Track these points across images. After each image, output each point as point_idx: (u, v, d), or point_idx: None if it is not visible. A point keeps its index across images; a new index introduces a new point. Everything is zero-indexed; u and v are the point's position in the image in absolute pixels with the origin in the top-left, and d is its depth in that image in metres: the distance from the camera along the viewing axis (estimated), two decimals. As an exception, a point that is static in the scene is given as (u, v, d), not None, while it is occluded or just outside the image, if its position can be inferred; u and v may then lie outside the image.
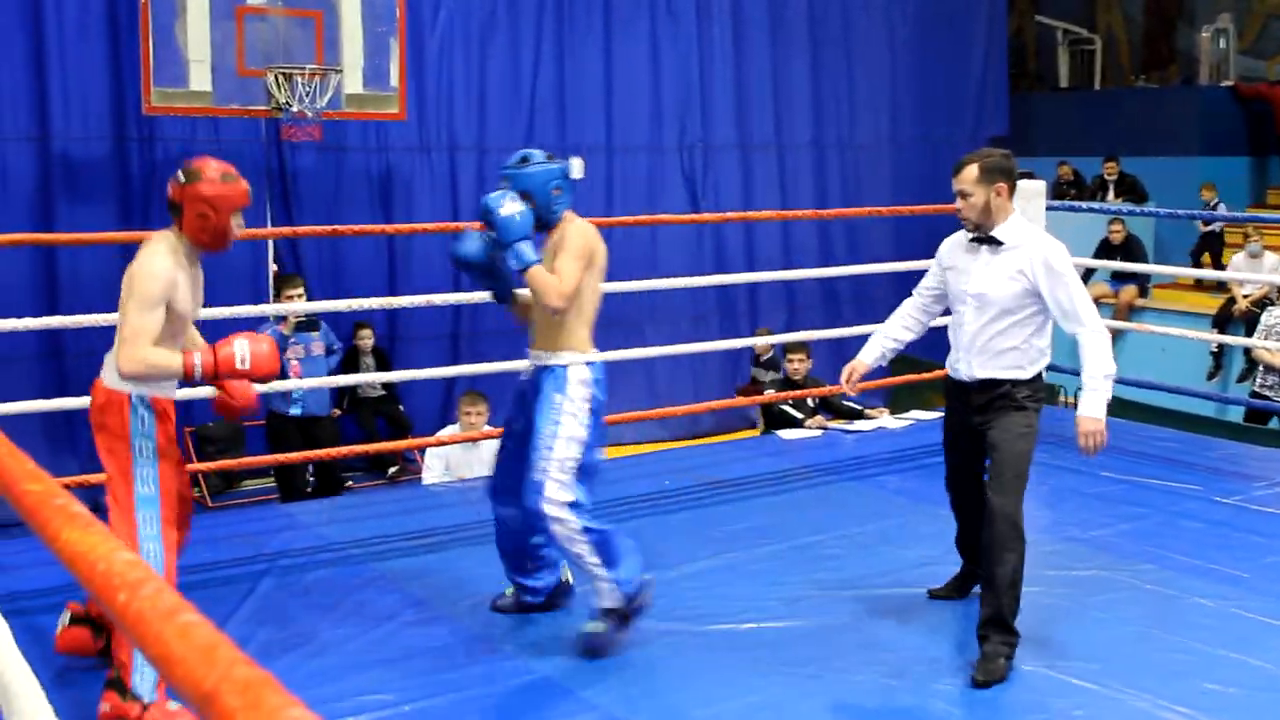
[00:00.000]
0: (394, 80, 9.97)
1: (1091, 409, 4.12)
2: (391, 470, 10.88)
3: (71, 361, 9.79)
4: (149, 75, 8.93)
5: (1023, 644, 4.08)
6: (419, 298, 7.01)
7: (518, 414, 4.41)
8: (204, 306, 4.10)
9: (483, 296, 7.93)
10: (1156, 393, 8.46)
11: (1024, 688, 3.98)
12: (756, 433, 10.35)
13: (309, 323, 8.50)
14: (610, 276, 11.74)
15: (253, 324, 10.31)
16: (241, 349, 3.74)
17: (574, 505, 4.12)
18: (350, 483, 9.95)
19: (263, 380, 3.95)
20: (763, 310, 13.48)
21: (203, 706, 0.97)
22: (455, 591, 4.86)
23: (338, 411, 10.35)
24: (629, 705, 3.88)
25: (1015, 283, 4.15)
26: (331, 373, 8.71)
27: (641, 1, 12.86)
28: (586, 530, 4.11)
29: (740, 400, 9.66)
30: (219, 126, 10.39)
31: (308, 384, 7.93)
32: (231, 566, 5.20)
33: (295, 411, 8.49)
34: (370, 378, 9.62)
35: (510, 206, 4.12)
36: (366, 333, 10.83)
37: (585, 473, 4.21)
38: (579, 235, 4.25)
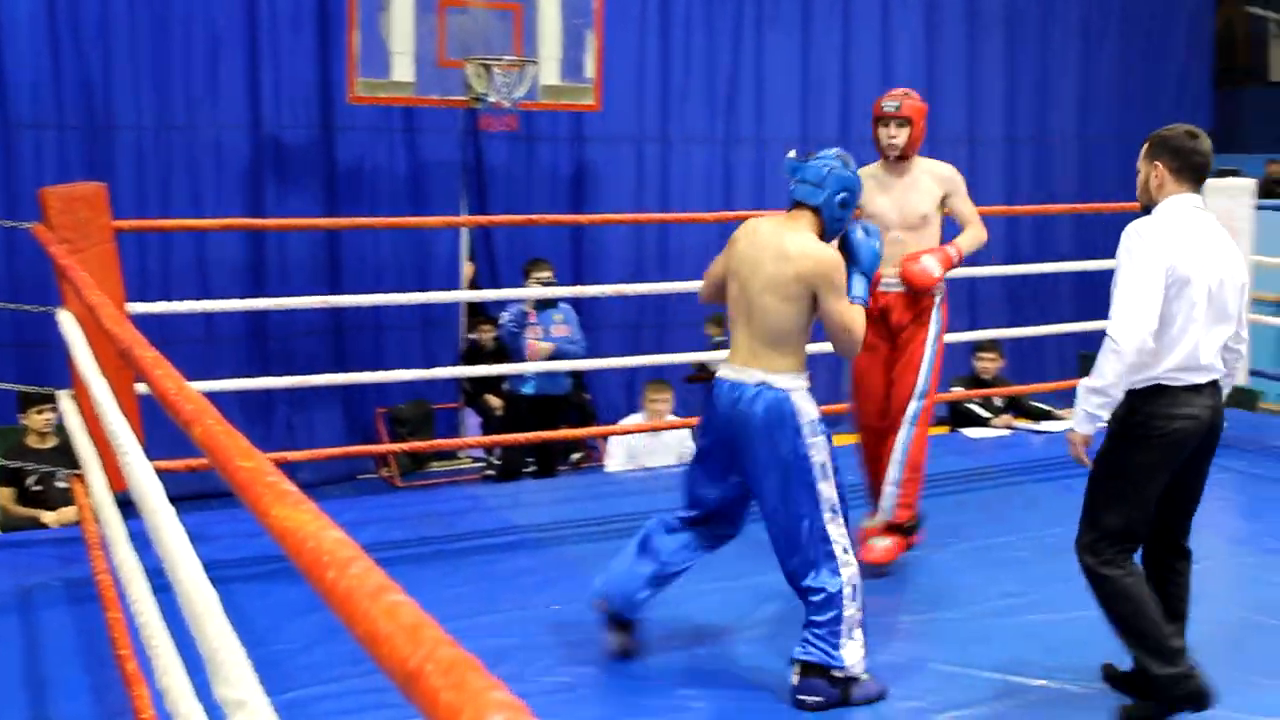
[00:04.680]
0: (589, 71, 10.09)
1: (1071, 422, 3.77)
2: (575, 457, 11.02)
3: (275, 344, 10.15)
4: (354, 66, 9.20)
5: (1215, 664, 3.83)
6: (609, 287, 7.10)
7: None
8: (398, 292, 4.23)
9: (668, 287, 8.06)
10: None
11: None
12: (944, 430, 10.21)
13: (549, 303, 8.63)
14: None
15: (452, 310, 10.59)
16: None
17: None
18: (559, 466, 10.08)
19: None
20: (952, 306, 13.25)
21: (407, 685, 1.03)
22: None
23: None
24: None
25: None
26: (575, 357, 8.72)
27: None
28: None
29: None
30: (419, 116, 10.65)
31: (501, 370, 8.07)
32: (420, 545, 5.35)
33: (528, 390, 8.63)
34: (566, 365, 9.74)
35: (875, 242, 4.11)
36: (558, 318, 10.98)
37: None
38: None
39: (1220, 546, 5.13)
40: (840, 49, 12.84)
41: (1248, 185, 7.57)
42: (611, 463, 7.59)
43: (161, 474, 2.59)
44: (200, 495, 7.10)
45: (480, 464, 10.21)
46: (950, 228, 5.30)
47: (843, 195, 3.93)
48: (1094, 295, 13.88)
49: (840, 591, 3.81)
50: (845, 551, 3.86)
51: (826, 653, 3.79)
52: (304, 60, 10.31)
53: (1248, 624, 4.44)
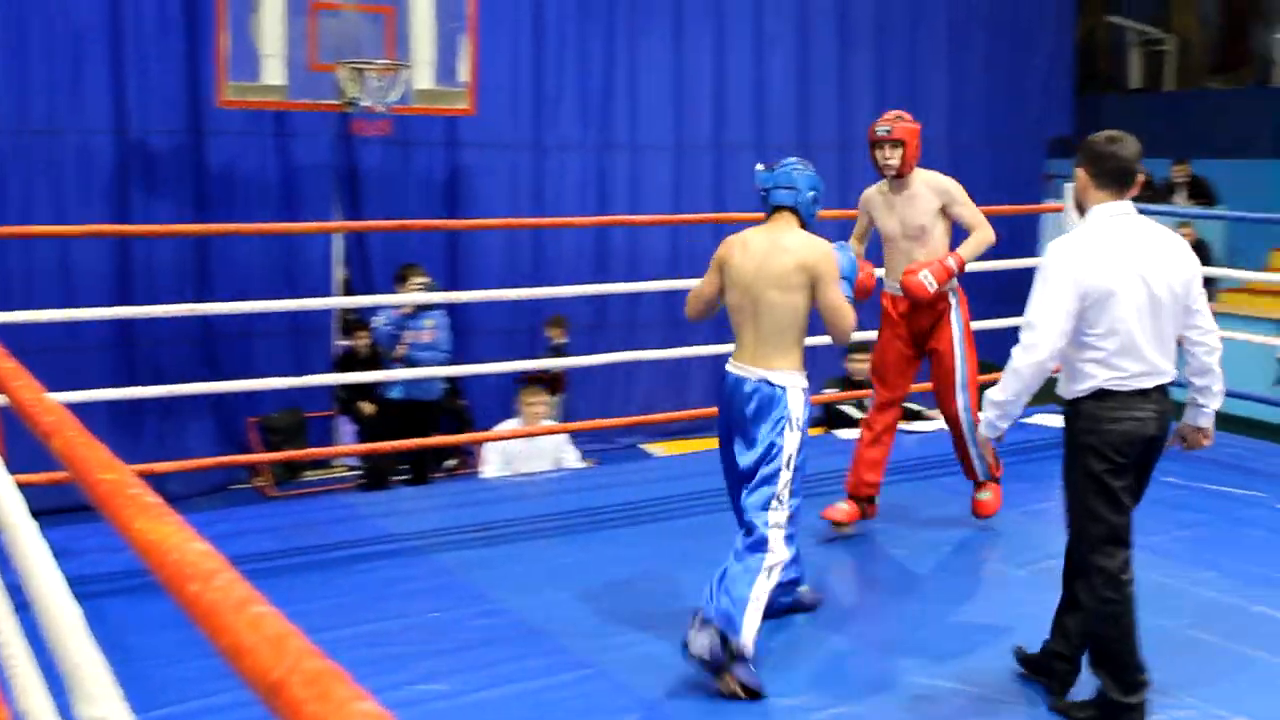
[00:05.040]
0: (463, 76, 10.04)
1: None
2: (450, 464, 10.96)
3: (143, 353, 9.95)
4: (223, 69, 9.05)
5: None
6: (491, 293, 7.07)
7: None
8: (269, 300, 4.18)
9: (544, 292, 8.06)
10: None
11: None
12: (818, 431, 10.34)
13: (425, 308, 8.55)
14: (682, 274, 11.80)
15: (323, 317, 10.46)
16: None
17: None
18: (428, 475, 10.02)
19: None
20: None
21: (271, 697, 1.01)
22: (512, 584, 4.93)
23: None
24: (676, 701, 3.92)
25: None
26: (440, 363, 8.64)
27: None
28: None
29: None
30: (291, 121, 10.51)
31: (374, 377, 8.00)
32: (293, 556, 5.28)
33: (396, 395, 8.54)
34: (437, 372, 9.68)
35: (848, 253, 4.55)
36: (431, 323, 10.89)
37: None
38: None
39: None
40: (713, 55, 12.93)
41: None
42: (487, 469, 7.55)
43: (25, 487, 2.53)
44: (72, 509, 6.92)
45: (355, 472, 10.13)
46: (959, 233, 5.55)
47: (813, 193, 4.41)
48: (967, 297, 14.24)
49: (759, 568, 4.05)
50: (777, 540, 4.11)
51: (731, 619, 3.94)
52: (171, 63, 10.12)
53: (1181, 637, 4.44)
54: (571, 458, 7.71)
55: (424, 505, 6.25)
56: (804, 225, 4.38)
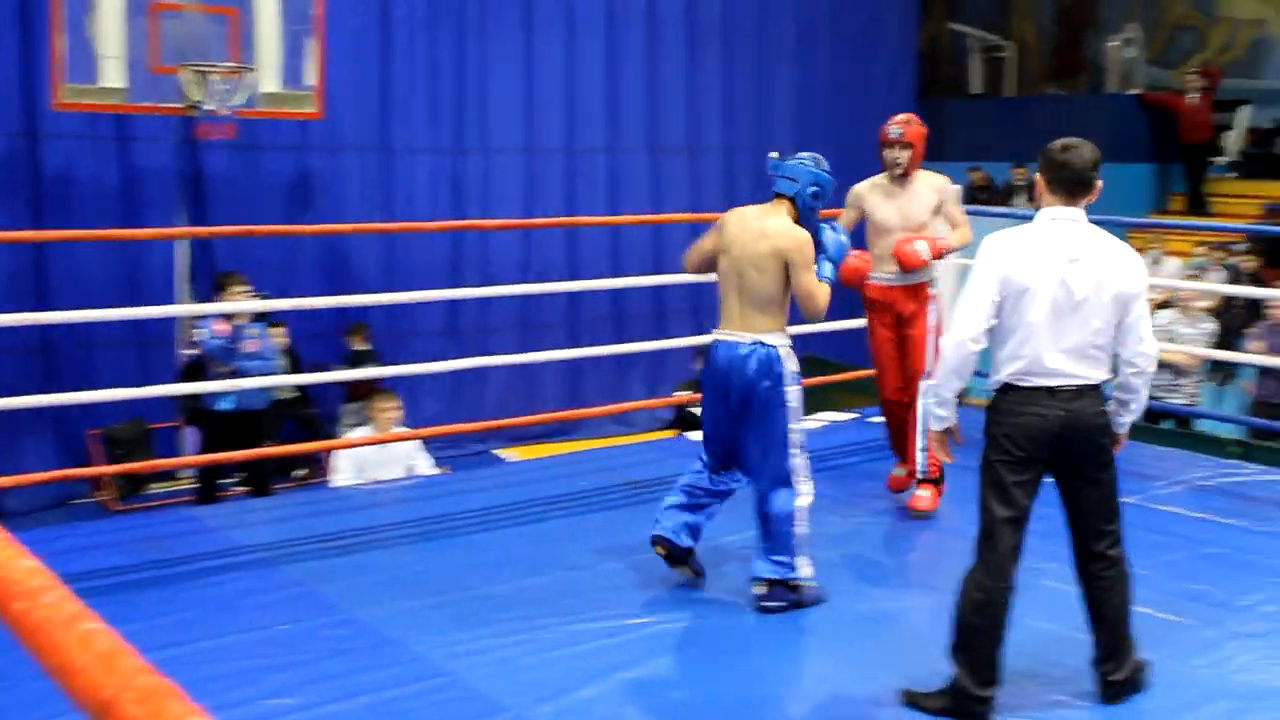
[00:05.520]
0: (311, 79, 9.91)
1: None
2: (299, 473, 10.79)
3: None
4: (59, 71, 8.80)
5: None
6: (351, 298, 6.97)
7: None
8: (120, 307, 4.07)
9: (398, 297, 7.98)
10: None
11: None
12: (671, 434, 10.42)
13: (259, 316, 8.34)
14: (533, 278, 11.77)
15: (167, 325, 10.23)
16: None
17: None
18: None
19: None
20: (670, 313, 13.51)
21: (102, 716, 0.99)
22: (365, 594, 4.86)
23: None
24: (534, 707, 3.91)
25: None
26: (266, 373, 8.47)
27: (559, 4, 12.86)
28: None
29: (652, 402, 9.68)
30: (132, 124, 10.26)
31: (219, 386, 7.83)
32: (138, 571, 5.15)
33: (227, 406, 8.35)
34: (290, 379, 9.54)
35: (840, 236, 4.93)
36: (279, 331, 10.70)
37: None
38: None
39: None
40: (563, 59, 12.96)
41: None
42: (338, 477, 7.44)
43: None
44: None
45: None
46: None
47: (814, 188, 4.77)
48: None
49: (794, 512, 4.60)
50: (805, 481, 4.65)
51: (785, 565, 4.61)
52: (4, 64, 9.81)
53: (1057, 637, 4.41)
54: (424, 464, 7.64)
55: (273, 516, 6.14)
56: (799, 215, 4.73)
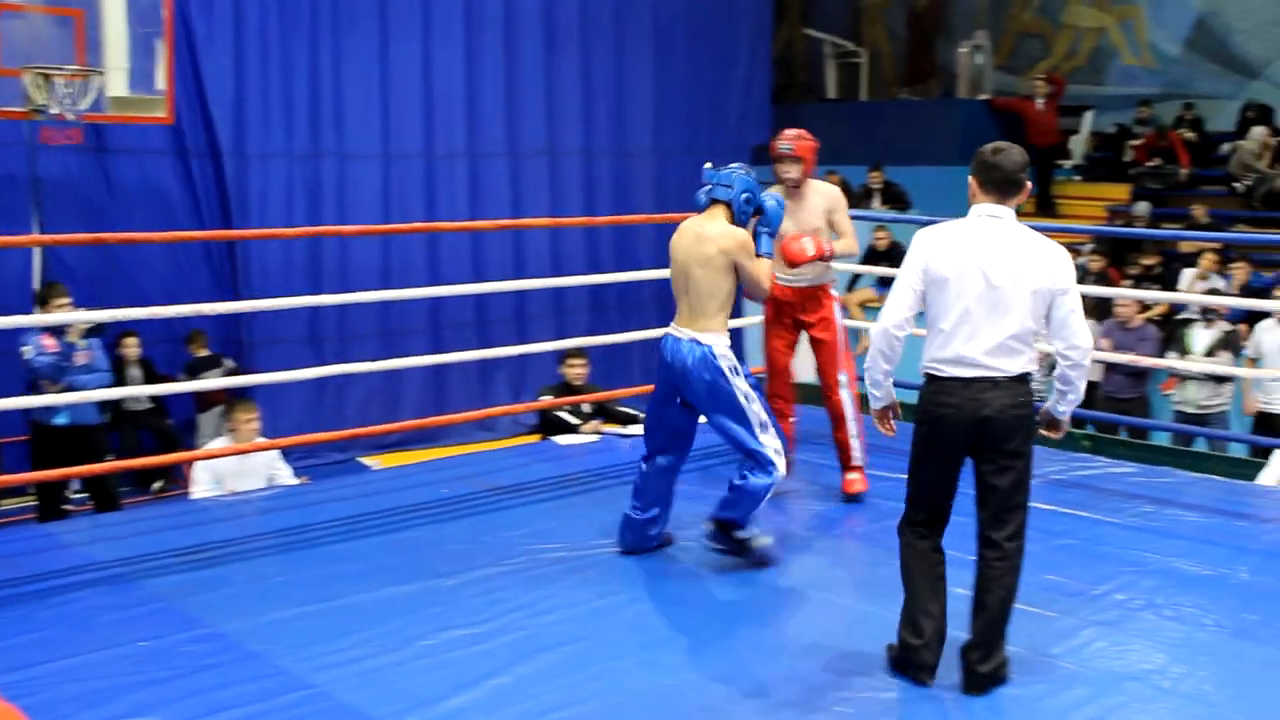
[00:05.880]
0: (160, 83, 9.69)
1: None
2: (156, 486, 10.55)
3: None
4: (-105, 73, 8.50)
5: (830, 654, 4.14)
6: (209, 306, 6.82)
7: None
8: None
9: (261, 304, 7.83)
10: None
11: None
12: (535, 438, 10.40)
13: (92, 329, 8.11)
14: (388, 285, 11.62)
15: (13, 335, 9.91)
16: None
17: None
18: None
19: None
20: (531, 318, 13.48)
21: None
22: (227, 607, 4.78)
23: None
24: (405, 718, 3.88)
25: None
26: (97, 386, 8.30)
27: (415, 6, 12.74)
28: None
29: (518, 408, 9.65)
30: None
31: (67, 399, 7.62)
32: (-10, 589, 5.00)
33: (61, 421, 8.13)
34: (140, 390, 9.33)
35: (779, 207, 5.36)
36: (132, 341, 10.48)
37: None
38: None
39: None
40: (421, 63, 12.85)
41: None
42: (197, 489, 7.29)
43: None
44: None
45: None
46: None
47: (745, 194, 5.20)
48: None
49: (767, 485, 5.06)
50: (776, 454, 5.08)
51: (739, 520, 5.12)
52: None
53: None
54: (285, 474, 7.52)
55: (131, 530, 5.98)
56: (733, 218, 5.16)
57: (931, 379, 4.04)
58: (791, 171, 6.24)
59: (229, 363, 11.24)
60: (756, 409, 5.12)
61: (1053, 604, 4.78)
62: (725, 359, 5.10)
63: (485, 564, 5.27)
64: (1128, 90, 16.98)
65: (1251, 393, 9.72)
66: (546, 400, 8.06)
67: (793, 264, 6.02)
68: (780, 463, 5.09)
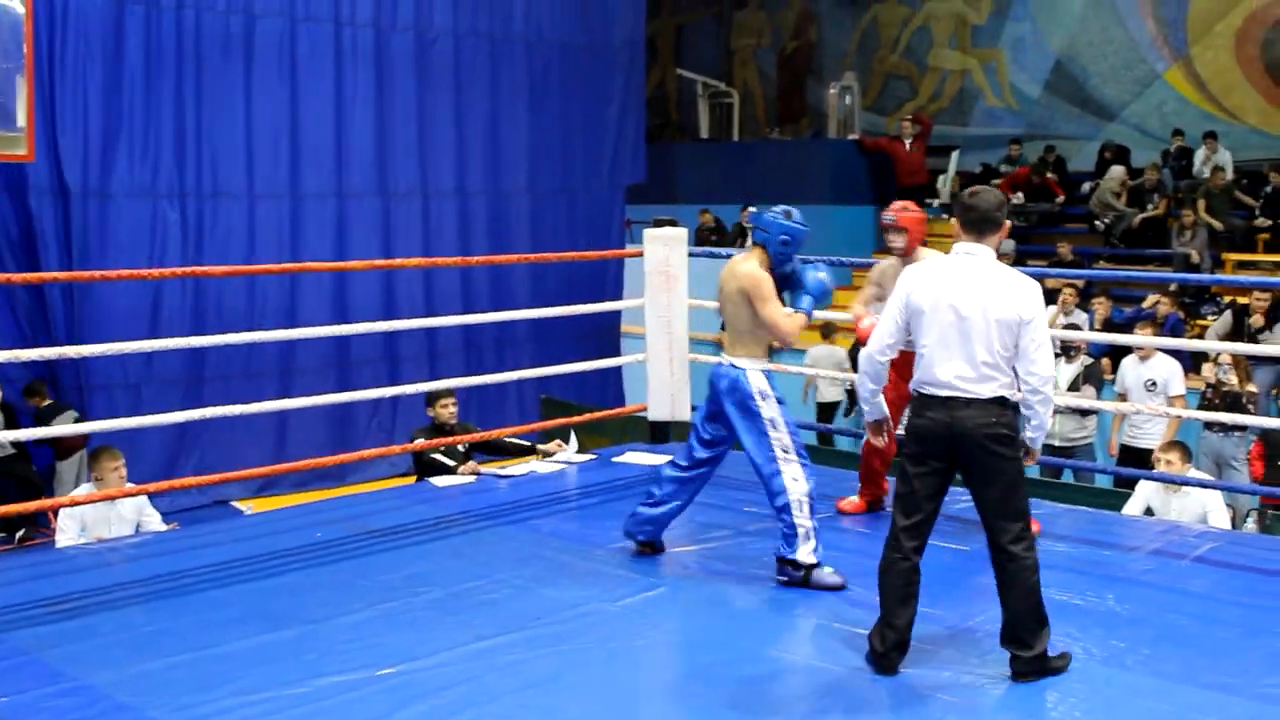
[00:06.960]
0: (20, 120, 9.46)
1: None
2: (20, 534, 10.24)
3: None
4: None
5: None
6: (51, 350, 6.64)
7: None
8: None
9: (121, 347, 7.65)
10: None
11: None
12: (411, 480, 10.29)
13: None
14: (248, 326, 11.47)
15: None
16: None
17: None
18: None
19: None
20: (404, 358, 13.34)
21: None
22: (95, 658, 4.64)
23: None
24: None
25: None
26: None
27: (284, 44, 12.55)
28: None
29: (393, 449, 9.55)
30: None
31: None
32: None
33: None
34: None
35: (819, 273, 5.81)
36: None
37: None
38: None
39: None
40: (289, 103, 12.65)
41: (681, 234, 8.10)
42: (63, 537, 7.09)
43: None
44: None
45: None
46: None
47: (783, 237, 5.57)
48: (549, 341, 14.58)
49: (789, 504, 5.36)
50: (794, 480, 5.39)
51: (787, 547, 5.37)
52: None
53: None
54: (154, 521, 7.35)
55: (-9, 580, 5.80)
56: (771, 261, 5.56)
57: (916, 396, 4.46)
58: (897, 241, 6.42)
59: (73, 411, 10.94)
60: (780, 435, 5.44)
61: (921, 635, 4.83)
62: (755, 384, 5.48)
63: (361, 608, 5.19)
64: (992, 131, 17.44)
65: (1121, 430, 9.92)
66: (420, 443, 7.96)
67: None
68: (794, 488, 5.37)
